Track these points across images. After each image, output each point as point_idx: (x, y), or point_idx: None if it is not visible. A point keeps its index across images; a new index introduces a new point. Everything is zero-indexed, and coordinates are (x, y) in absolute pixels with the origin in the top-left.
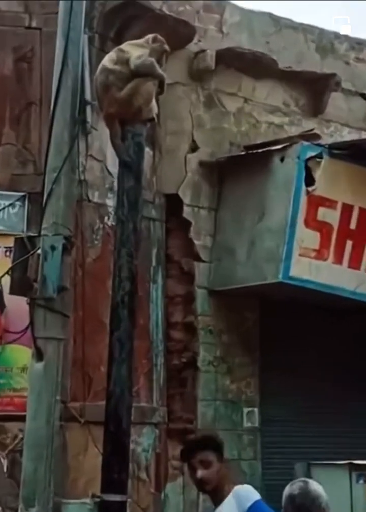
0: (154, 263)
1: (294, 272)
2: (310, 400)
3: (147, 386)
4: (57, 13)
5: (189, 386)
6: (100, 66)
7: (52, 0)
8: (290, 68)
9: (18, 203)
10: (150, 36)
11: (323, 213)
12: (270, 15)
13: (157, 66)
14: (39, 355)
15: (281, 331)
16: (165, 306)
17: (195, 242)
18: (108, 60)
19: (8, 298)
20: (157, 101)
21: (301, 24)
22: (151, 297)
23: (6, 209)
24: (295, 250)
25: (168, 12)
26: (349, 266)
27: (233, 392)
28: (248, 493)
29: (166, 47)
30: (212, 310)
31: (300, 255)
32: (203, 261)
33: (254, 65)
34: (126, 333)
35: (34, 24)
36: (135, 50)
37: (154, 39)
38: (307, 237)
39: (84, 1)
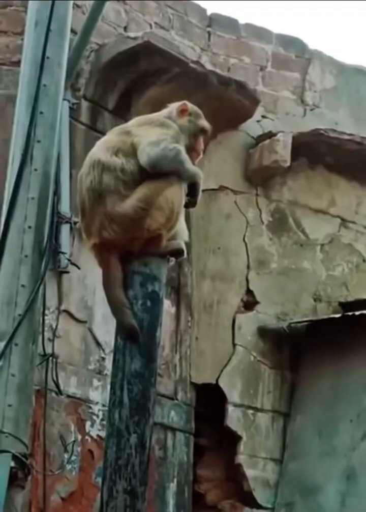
0: None
1: None
2: None
3: None
4: None
5: None
6: (87, 159)
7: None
8: None
9: None
10: (175, 105)
11: None
12: None
13: (187, 159)
14: None
15: None
16: None
17: (247, 470)
18: (102, 148)
19: None
20: (188, 220)
21: None
22: None
23: None
24: None
25: (210, 67)
26: None
27: None
28: None
29: (206, 125)
30: None
31: None
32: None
33: (362, 162)
34: None
35: None
36: (150, 130)
37: (183, 111)
38: None
39: (67, 38)
